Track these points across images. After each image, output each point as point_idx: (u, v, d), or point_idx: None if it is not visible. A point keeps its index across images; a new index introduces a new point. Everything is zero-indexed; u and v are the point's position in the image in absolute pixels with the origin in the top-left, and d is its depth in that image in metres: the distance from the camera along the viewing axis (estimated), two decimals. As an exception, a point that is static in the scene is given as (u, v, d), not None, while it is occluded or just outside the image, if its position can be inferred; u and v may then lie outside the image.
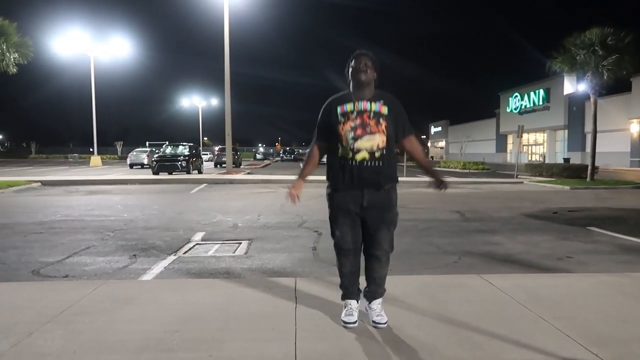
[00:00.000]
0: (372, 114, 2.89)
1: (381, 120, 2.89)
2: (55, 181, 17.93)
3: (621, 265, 5.13)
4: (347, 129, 2.88)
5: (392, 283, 3.92)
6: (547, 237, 6.72)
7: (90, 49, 32.44)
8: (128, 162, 33.20)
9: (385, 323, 3.00)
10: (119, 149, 70.94)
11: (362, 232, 3.02)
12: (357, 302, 3.12)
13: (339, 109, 2.94)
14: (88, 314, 3.26)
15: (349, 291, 3.10)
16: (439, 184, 3.04)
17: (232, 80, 22.70)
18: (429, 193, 14.20)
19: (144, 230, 7.37)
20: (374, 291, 3.08)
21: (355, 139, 2.87)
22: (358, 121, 2.88)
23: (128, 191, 14.65)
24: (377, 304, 3.09)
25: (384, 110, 2.92)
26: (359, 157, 2.87)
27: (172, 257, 5.49)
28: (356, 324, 3.02)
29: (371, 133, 2.87)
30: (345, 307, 3.09)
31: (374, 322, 3.02)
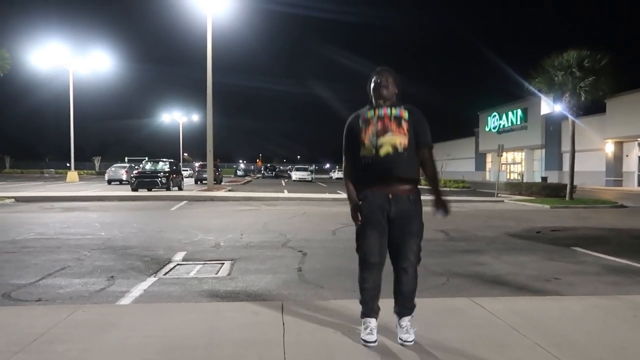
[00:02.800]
0: (392, 118, 2.95)
1: (402, 123, 2.94)
2: (30, 197, 17.42)
3: (609, 286, 5.11)
4: (369, 133, 2.94)
5: (383, 306, 3.81)
6: (533, 258, 6.70)
7: (69, 63, 32.00)
8: (106, 178, 32.56)
9: (412, 341, 3.01)
10: (97, 165, 69.80)
11: (390, 244, 3.01)
12: (377, 320, 3.07)
13: (360, 120, 3.01)
14: (63, 342, 3.06)
15: (369, 307, 3.06)
16: (439, 207, 3.01)
17: (214, 92, 22.57)
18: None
19: (123, 249, 7.12)
20: (403, 306, 3.08)
21: (378, 135, 2.91)
22: (379, 125, 2.93)
23: (106, 208, 14.29)
24: (406, 321, 3.07)
25: (405, 114, 2.97)
26: (382, 151, 2.89)
27: (152, 279, 5.28)
28: (376, 343, 2.99)
29: (393, 132, 2.91)
30: (364, 325, 3.06)
31: (401, 339, 3.03)
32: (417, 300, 4.24)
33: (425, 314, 3.67)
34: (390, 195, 2.92)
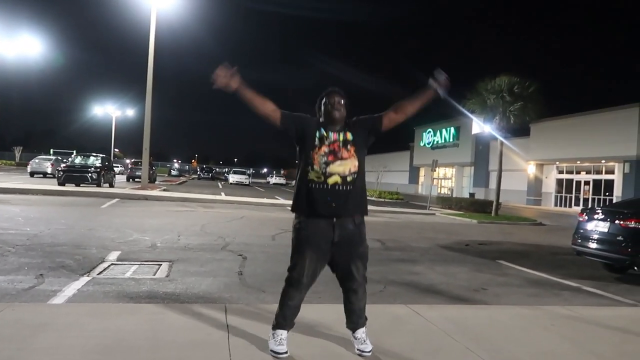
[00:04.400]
0: (341, 143, 2.95)
1: (349, 147, 2.95)
2: (-59, 186, 16.01)
3: (530, 297, 5.53)
4: (321, 153, 2.91)
5: (321, 311, 3.92)
6: (463, 269, 7.09)
7: (-6, 45, 29.75)
8: (29, 169, 30.55)
9: (370, 351, 3.05)
10: (18, 155, 65.01)
11: (335, 267, 3.02)
12: (287, 332, 3.03)
13: (317, 133, 2.97)
14: (-8, 342, 2.89)
15: (285, 323, 3.00)
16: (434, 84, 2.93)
17: (154, 85, 21.84)
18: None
19: (51, 247, 6.75)
20: (356, 322, 3.09)
21: (328, 163, 2.89)
22: (331, 148, 2.93)
23: (30, 202, 13.43)
24: (361, 332, 3.10)
25: (349, 136, 2.98)
26: (331, 180, 2.88)
27: (85, 278, 5.07)
28: (287, 354, 2.94)
29: (342, 158, 2.91)
30: (274, 337, 2.98)
31: (359, 350, 3.06)
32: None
33: (365, 320, 3.81)
34: (334, 220, 2.90)
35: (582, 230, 7.30)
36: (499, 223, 17.23)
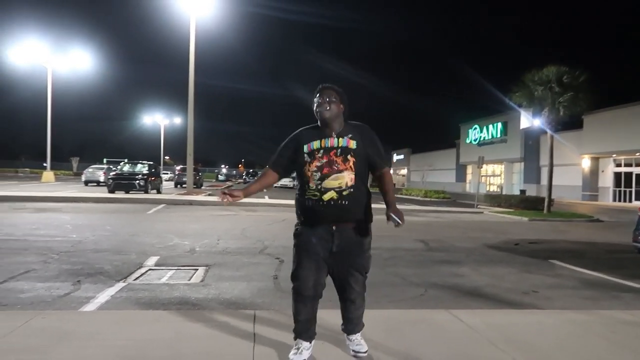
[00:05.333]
0: (339, 151, 2.72)
1: (349, 157, 2.71)
2: (1, 197, 16.88)
3: (586, 301, 5.08)
4: (313, 169, 2.72)
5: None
6: (511, 270, 6.67)
7: (48, 60, 31.37)
8: (83, 179, 31.95)
9: (365, 352, 2.89)
10: (75, 165, 68.26)
11: (333, 277, 2.84)
12: (310, 343, 2.85)
13: (305, 148, 2.77)
14: (14, 352, 2.86)
15: (304, 335, 2.83)
16: (393, 214, 2.66)
17: (197, 96, 22.31)
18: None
19: (93, 253, 6.87)
20: (352, 329, 2.94)
21: (322, 178, 2.70)
22: (325, 160, 2.71)
23: (80, 210, 13.91)
24: (355, 336, 2.95)
25: (352, 144, 2.74)
26: (326, 197, 2.68)
27: (121, 284, 5.07)
28: None
29: (339, 171, 2.70)
30: (295, 346, 2.82)
31: (354, 351, 2.90)
32: (394, 312, 4.16)
33: (401, 327, 3.57)
34: (334, 227, 2.72)
35: (643, 227, 6.70)
36: (551, 220, 16.36)
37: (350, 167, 2.70)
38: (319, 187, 2.69)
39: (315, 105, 2.78)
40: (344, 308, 2.89)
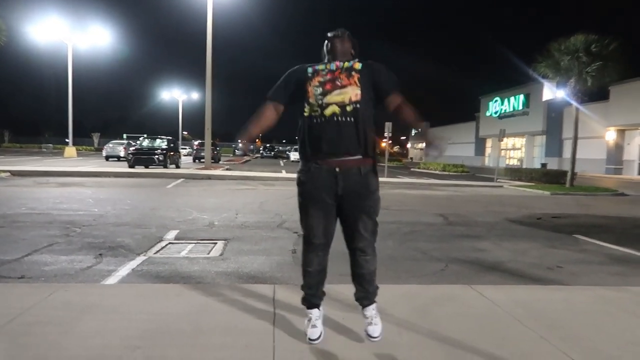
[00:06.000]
0: (343, 70, 2.62)
1: (353, 73, 2.60)
2: (26, 171, 17.20)
3: (614, 277, 4.94)
4: (315, 84, 2.60)
5: (379, 292, 3.63)
6: (534, 245, 6.53)
7: (68, 37, 31.43)
8: (104, 154, 32.36)
9: (378, 336, 2.67)
10: (96, 141, 69.23)
11: (341, 223, 2.69)
12: (320, 309, 2.78)
13: (309, 68, 2.69)
14: (39, 324, 2.88)
15: (312, 293, 2.75)
16: (431, 144, 2.64)
17: (215, 72, 22.22)
18: (411, 195, 14.03)
19: (114, 226, 6.93)
20: (365, 291, 2.73)
21: (324, 94, 2.57)
22: (328, 77, 2.61)
23: (101, 184, 14.08)
24: (371, 309, 2.74)
25: (357, 65, 2.64)
26: (328, 111, 2.55)
27: (141, 258, 5.10)
28: (321, 338, 2.66)
29: (342, 86, 2.57)
30: (308, 318, 2.74)
31: (366, 332, 2.69)
32: (416, 287, 4.09)
33: (423, 302, 3.51)
34: (337, 169, 2.55)
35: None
36: (574, 194, 16.02)
37: (355, 82, 2.58)
38: (321, 102, 2.56)
39: (326, 41, 2.74)
40: (355, 263, 2.71)
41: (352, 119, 2.54)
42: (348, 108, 2.54)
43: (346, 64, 2.63)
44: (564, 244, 6.65)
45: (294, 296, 3.51)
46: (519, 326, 3.10)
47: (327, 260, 2.76)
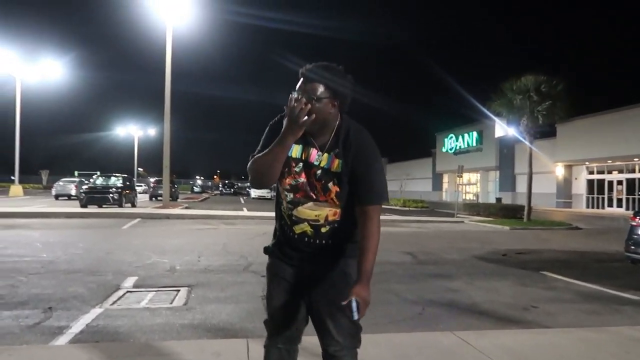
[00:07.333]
0: (319, 172, 1.91)
1: (330, 186, 1.90)
2: (-35, 213, 16.06)
3: (590, 316, 4.91)
4: (285, 186, 1.97)
5: (362, 344, 3.41)
6: (506, 283, 6.49)
7: (17, 70, 30.34)
8: (53, 192, 30.83)
9: None
10: (45, 178, 66.21)
11: (311, 318, 2.04)
12: None
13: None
14: (-23, 400, 2.48)
15: None
16: (358, 291, 1.75)
17: (173, 104, 21.77)
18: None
19: (66, 274, 6.41)
20: None
21: (295, 203, 1.96)
22: (302, 179, 1.93)
23: (51, 226, 13.27)
24: None
25: (336, 165, 1.90)
26: (297, 229, 1.97)
27: (97, 310, 4.67)
28: None
29: (317, 201, 1.93)
30: None
31: None
32: (399, 335, 3.88)
33: (408, 352, 3.31)
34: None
35: (636, 236, 6.64)
36: (532, 229, 16.42)
37: (332, 199, 1.91)
38: (290, 213, 1.98)
39: (290, 101, 1.81)
40: None
41: (328, 241, 1.97)
42: (323, 229, 1.95)
43: (324, 161, 1.91)
44: (534, 281, 6.65)
45: (270, 352, 3.24)
46: (511, 378, 2.94)
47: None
